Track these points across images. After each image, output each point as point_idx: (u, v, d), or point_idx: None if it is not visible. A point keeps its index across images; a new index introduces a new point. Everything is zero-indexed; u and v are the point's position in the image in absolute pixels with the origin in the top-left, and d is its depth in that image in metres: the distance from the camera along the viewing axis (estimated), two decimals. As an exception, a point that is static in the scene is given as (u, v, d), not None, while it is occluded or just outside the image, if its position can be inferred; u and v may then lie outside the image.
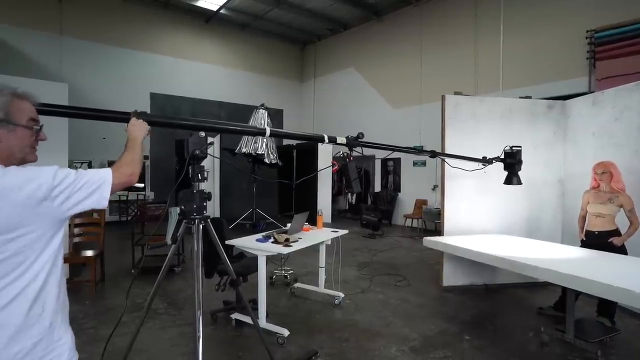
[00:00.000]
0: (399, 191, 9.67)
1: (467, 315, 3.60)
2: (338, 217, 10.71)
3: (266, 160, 7.75)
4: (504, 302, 4.03)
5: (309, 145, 9.63)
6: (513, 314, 3.70)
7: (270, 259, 4.18)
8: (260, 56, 12.37)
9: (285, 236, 3.12)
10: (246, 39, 12.00)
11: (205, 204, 1.81)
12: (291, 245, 2.99)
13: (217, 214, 8.10)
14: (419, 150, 2.61)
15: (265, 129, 1.88)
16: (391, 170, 9.93)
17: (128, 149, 1.29)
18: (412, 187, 9.25)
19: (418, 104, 9.17)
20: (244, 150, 7.77)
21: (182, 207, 1.73)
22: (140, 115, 1.50)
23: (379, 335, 3.15)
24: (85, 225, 4.36)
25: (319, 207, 4.01)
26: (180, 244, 3.57)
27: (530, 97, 4.56)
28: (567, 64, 6.70)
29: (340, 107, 11.80)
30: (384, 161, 10.11)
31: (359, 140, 2.22)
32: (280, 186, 11.16)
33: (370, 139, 2.52)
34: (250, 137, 7.87)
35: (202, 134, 1.73)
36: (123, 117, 1.51)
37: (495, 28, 7.83)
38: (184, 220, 1.78)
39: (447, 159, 3.80)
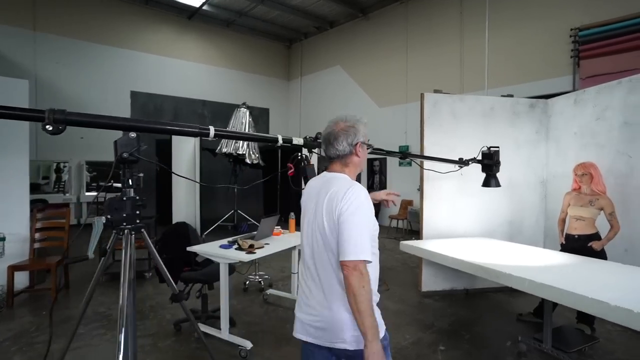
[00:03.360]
0: (385, 191, 9.52)
1: (444, 323, 3.46)
2: (324, 218, 10.55)
3: (247, 161, 7.55)
4: (483, 308, 3.90)
5: (293, 145, 9.43)
6: (492, 321, 3.57)
7: (245, 263, 4.01)
8: (245, 54, 12.14)
9: (250, 242, 2.94)
10: (231, 36, 11.76)
11: (138, 212, 1.62)
12: (255, 252, 2.81)
13: (198, 216, 7.88)
14: (387, 152, 2.45)
15: (209, 129, 1.70)
16: (377, 170, 9.79)
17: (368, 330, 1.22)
18: (398, 188, 9.10)
19: (404, 103, 9.04)
20: (224, 150, 7.56)
21: (109, 217, 1.53)
22: (57, 113, 1.30)
23: (350, 346, 2.98)
24: (47, 230, 4.12)
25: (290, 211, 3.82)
26: (159, 244, 3.40)
27: (512, 96, 4.43)
28: (552, 63, 6.62)
29: (327, 105, 11.63)
30: (370, 161, 9.96)
31: (318, 141, 2.05)
32: (265, 187, 10.96)
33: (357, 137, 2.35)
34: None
35: (133, 134, 1.55)
36: (36, 116, 1.31)
37: (480, 26, 7.73)
38: (113, 231, 1.59)
39: (420, 161, 3.65)
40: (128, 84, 9.73)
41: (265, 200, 11.00)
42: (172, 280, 1.77)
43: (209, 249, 2.93)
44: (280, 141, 1.92)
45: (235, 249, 2.92)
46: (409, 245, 3.54)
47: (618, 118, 3.61)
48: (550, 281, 2.21)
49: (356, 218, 1.29)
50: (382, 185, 9.71)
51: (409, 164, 8.83)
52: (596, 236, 3.21)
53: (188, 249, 2.96)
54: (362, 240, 1.27)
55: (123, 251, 1.50)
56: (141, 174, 1.62)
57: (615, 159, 3.60)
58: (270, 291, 4.01)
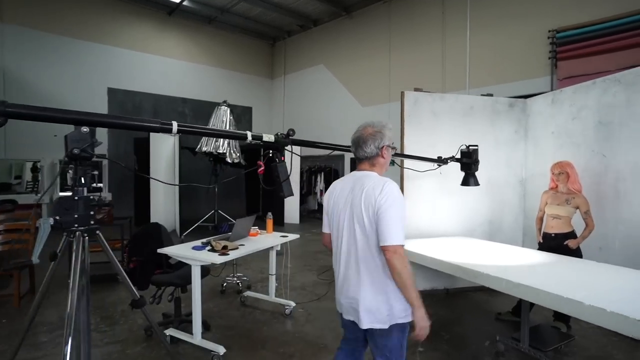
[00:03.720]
0: (368, 191, 9.51)
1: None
2: (307, 218, 10.47)
3: (228, 160, 7.40)
4: (463, 307, 3.89)
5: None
6: (471, 321, 3.56)
7: (222, 265, 3.89)
8: (228, 51, 11.94)
9: (224, 243, 2.84)
10: (212, 33, 11.55)
11: (92, 212, 1.51)
12: (228, 254, 2.71)
13: (177, 216, 7.69)
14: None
15: (171, 125, 1.59)
16: (360, 169, 9.76)
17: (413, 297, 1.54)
18: (381, 187, 9.12)
19: (387, 102, 9.03)
20: (204, 149, 7.39)
21: (57, 218, 1.42)
22: None
23: (326, 349, 2.91)
24: (10, 232, 3.91)
25: (268, 211, 3.73)
26: (130, 246, 3.25)
27: (491, 95, 4.44)
28: (531, 64, 6.70)
29: (310, 104, 11.56)
30: (353, 160, 9.93)
31: (290, 137, 1.96)
32: (248, 186, 10.81)
33: (340, 137, 2.33)
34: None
35: (86, 129, 1.43)
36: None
37: (462, 26, 7.78)
38: (64, 234, 1.47)
39: (400, 159, 3.62)
40: (105, 81, 9.43)
41: (248, 200, 10.85)
42: (132, 286, 1.66)
43: (180, 251, 2.81)
44: (250, 138, 1.83)
45: (208, 250, 2.82)
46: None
47: (593, 118, 3.65)
48: (527, 281, 2.19)
49: (392, 209, 1.52)
50: (366, 185, 9.70)
51: (392, 163, 8.82)
52: (572, 235, 3.23)
53: (159, 250, 2.84)
54: (399, 228, 1.51)
55: (73, 255, 1.39)
56: (95, 172, 1.51)
57: (590, 158, 3.63)
58: (247, 293, 3.91)
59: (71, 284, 1.33)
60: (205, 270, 3.08)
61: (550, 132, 4.07)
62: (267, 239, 3.41)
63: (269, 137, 1.92)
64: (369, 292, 1.58)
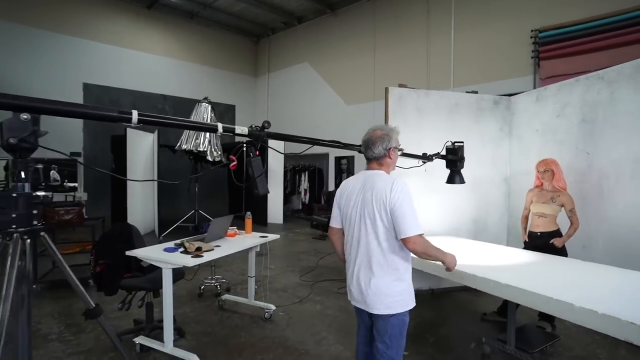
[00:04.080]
0: (352, 190, 9.42)
1: (409, 326, 3.31)
2: (292, 217, 10.31)
3: (209, 158, 7.18)
4: (448, 308, 3.81)
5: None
6: (456, 322, 3.47)
7: (201, 266, 3.72)
8: (210, 48, 11.66)
9: (198, 244, 2.66)
10: (194, 29, 11.25)
11: (34, 211, 1.33)
12: (202, 256, 2.54)
13: (156, 216, 7.42)
14: (345, 145, 2.26)
15: (131, 114, 1.43)
16: (345, 168, 9.66)
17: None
18: (365, 186, 9.04)
19: (371, 101, 8.95)
20: (184, 147, 7.15)
21: (-10, 217, 1.24)
22: None
23: (307, 355, 2.77)
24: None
25: (247, 211, 3.56)
26: (97, 249, 3.03)
27: (476, 92, 4.39)
28: (514, 63, 6.72)
29: (294, 103, 11.39)
30: (338, 159, 9.82)
31: (265, 130, 1.82)
32: (230, 185, 10.58)
33: (324, 135, 2.24)
34: (191, 132, 7.26)
35: (26, 116, 1.25)
36: None
37: (446, 25, 7.76)
38: None
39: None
40: (80, 76, 9.04)
41: (231, 199, 10.61)
42: (85, 294, 1.48)
43: (151, 253, 2.62)
44: (220, 129, 1.68)
45: (181, 252, 2.64)
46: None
47: (577, 115, 3.62)
48: (515, 282, 2.10)
49: (405, 204, 1.70)
50: (350, 184, 9.59)
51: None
52: (557, 233, 3.18)
53: (128, 253, 2.64)
54: (415, 219, 1.69)
55: (9, 259, 1.21)
56: (39, 165, 1.33)
57: (574, 155, 3.60)
58: (226, 296, 3.73)
59: (4, 294, 1.15)
60: (179, 273, 2.90)
61: (535, 130, 4.04)
62: (245, 240, 3.25)
63: (242, 130, 1.77)
64: (376, 282, 1.76)
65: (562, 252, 3.12)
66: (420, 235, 1.69)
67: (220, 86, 11.81)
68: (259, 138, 1.83)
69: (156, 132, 7.37)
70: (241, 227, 3.61)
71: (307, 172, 10.22)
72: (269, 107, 12.40)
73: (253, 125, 1.82)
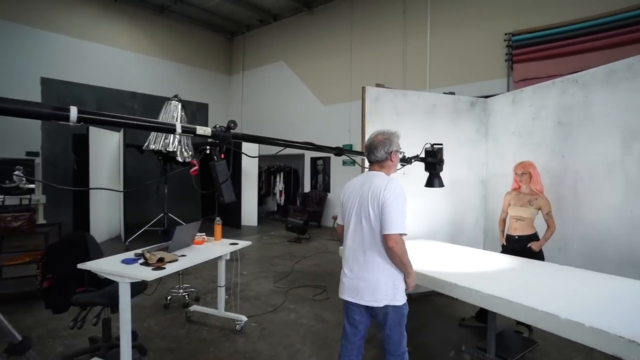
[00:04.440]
0: (329, 191, 9.29)
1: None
2: (266, 220, 10.07)
3: (179, 159, 6.85)
4: (426, 314, 3.73)
5: (235, 144, 8.84)
6: (435, 328, 3.39)
7: (159, 280, 3.45)
8: (182, 44, 11.22)
9: (160, 254, 2.43)
10: (165, 23, 10.79)
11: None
12: (164, 267, 2.31)
13: (122, 221, 7.02)
14: (319, 147, 2.11)
15: (68, 110, 1.21)
16: (320, 169, 9.53)
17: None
18: (342, 187, 8.90)
19: (348, 101, 8.85)
20: (152, 147, 6.79)
21: None
22: None
23: (281, 371, 2.60)
24: None
25: (217, 216, 3.33)
26: (45, 261, 2.73)
27: (453, 93, 4.34)
28: (489, 65, 6.78)
29: (270, 102, 11.14)
30: (314, 160, 9.67)
31: (231, 131, 1.63)
32: (203, 188, 10.21)
33: (300, 136, 2.05)
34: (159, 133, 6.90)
35: None
36: None
37: (422, 26, 7.76)
38: None
39: (361, 159, 3.37)
40: (38, 69, 8.43)
41: (203, 202, 10.25)
42: (9, 326, 1.25)
43: (106, 265, 2.37)
44: (179, 129, 1.47)
45: (141, 263, 2.40)
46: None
47: (552, 118, 3.63)
48: (496, 291, 2.01)
49: (395, 203, 1.79)
50: (326, 185, 9.47)
51: (352, 163, 8.66)
52: (535, 237, 3.15)
53: (79, 266, 2.37)
54: (401, 219, 1.78)
55: None
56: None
57: (550, 158, 3.60)
58: (194, 307, 3.49)
59: None
60: (141, 286, 2.65)
61: (511, 132, 4.03)
62: (214, 248, 3.03)
63: (204, 130, 1.57)
64: (372, 275, 1.85)
65: (539, 255, 3.10)
66: (402, 235, 1.79)
67: (193, 84, 11.39)
68: (224, 140, 1.64)
69: (122, 131, 6.97)
70: (212, 232, 3.38)
71: (282, 173, 10.01)
72: (243, 106, 12.09)
73: (217, 126, 1.63)
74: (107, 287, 2.68)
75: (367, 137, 3.84)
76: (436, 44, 7.59)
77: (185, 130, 1.51)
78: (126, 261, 2.44)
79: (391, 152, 1.96)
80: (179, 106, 6.90)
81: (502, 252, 3.28)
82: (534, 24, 6.25)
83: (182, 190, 9.58)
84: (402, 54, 8.11)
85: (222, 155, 1.68)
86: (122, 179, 6.97)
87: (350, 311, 1.98)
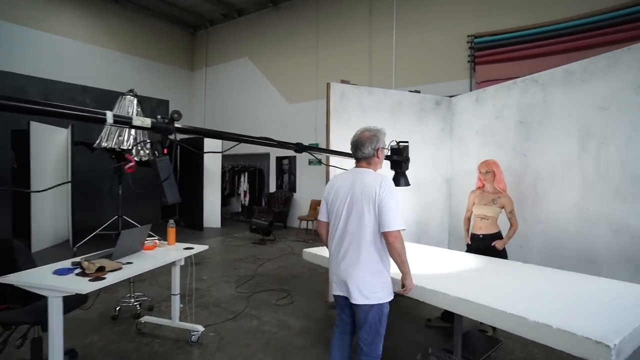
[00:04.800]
0: (295, 191, 9.13)
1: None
2: (230, 221, 9.74)
3: (135, 158, 6.41)
4: (393, 315, 3.57)
5: (195, 140, 8.47)
6: (401, 330, 3.31)
7: (98, 292, 3.14)
8: (140, 37, 10.63)
9: (101, 263, 2.17)
10: (121, 14, 10.17)
11: None
12: (104, 277, 2.05)
13: (70, 223, 6.48)
14: (279, 143, 1.95)
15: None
16: (286, 169, 9.34)
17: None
18: (308, 187, 8.79)
19: (314, 99, 8.73)
20: (104, 144, 6.31)
21: None
22: None
23: (239, 386, 2.41)
24: None
25: (170, 219, 3.07)
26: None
27: (419, 92, 4.32)
28: (453, 66, 6.89)
29: (234, 99, 10.80)
30: (279, 159, 9.47)
31: (174, 123, 1.43)
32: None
33: (266, 134, 1.94)
34: (113, 127, 6.43)
35: None
36: None
37: (388, 25, 7.78)
38: None
39: (330, 156, 3.26)
40: (-27, 59, 7.66)
41: (164, 203, 9.73)
42: None
43: (35, 277, 2.07)
44: (110, 120, 1.26)
45: (77, 274, 2.12)
46: (312, 253, 3.09)
47: (514, 117, 3.67)
48: (464, 293, 1.94)
49: (392, 200, 1.83)
50: (292, 185, 9.30)
51: (319, 162, 8.55)
52: (498, 235, 3.16)
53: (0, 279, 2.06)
54: (398, 216, 1.82)
55: None
56: None
57: (512, 157, 3.64)
58: (145, 318, 3.21)
59: None
60: (78, 299, 2.36)
61: (475, 131, 4.05)
62: (166, 253, 2.78)
63: (142, 121, 1.37)
64: (360, 272, 1.88)
65: (502, 254, 3.11)
66: (401, 231, 1.83)
67: (152, 79, 10.82)
68: (167, 132, 1.44)
69: (70, 127, 6.44)
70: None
71: (247, 173, 9.72)
72: (206, 103, 11.66)
73: (159, 117, 1.43)
74: (37, 302, 2.37)
75: (331, 135, 3.75)
76: (402, 43, 7.63)
77: (118, 121, 1.30)
78: (60, 272, 2.15)
79: (378, 148, 2.00)
80: (135, 101, 6.46)
81: (467, 251, 3.26)
82: (496, 27, 6.41)
83: (142, 190, 9.06)
84: (369, 53, 8.10)
85: (165, 151, 1.49)
86: (70, 179, 6.43)
87: (342, 306, 2.05)
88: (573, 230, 3.13)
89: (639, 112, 2.72)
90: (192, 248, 2.94)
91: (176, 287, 3.03)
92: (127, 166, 1.39)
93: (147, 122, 1.38)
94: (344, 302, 2.00)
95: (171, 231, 3.01)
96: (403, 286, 1.98)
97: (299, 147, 2.06)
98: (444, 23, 7.06)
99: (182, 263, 2.95)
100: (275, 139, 1.97)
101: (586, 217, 3.03)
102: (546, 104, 3.38)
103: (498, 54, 6.35)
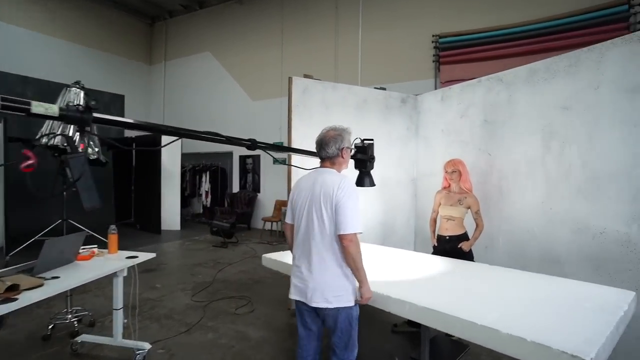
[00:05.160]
0: (259, 191, 8.82)
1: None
2: (192, 223, 9.27)
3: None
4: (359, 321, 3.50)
5: (151, 138, 7.96)
6: (368, 337, 3.15)
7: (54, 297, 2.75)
8: (92, 26, 9.87)
9: (14, 279, 1.82)
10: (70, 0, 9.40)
11: None
12: (16, 298, 1.72)
13: (3, 228, 5.83)
14: (228, 138, 1.71)
15: None
16: (250, 168, 9.01)
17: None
18: (273, 187, 8.52)
19: (279, 97, 8.46)
20: (45, 140, 5.71)
21: None
22: None
23: (186, 413, 2.15)
24: None
25: (111, 225, 2.72)
26: None
27: (384, 89, 4.20)
28: (418, 65, 6.88)
29: (195, 96, 10.30)
30: (243, 158, 9.12)
31: (92, 112, 1.17)
32: (118, 189, 9.08)
33: (228, 133, 1.69)
34: (55, 123, 5.85)
35: None
36: None
37: (354, 23, 7.67)
38: None
39: (292, 155, 3.04)
40: None
41: (118, 204, 9.10)
42: None
43: None
44: (-4, 105, 0.98)
45: (-15, 293, 1.77)
46: (271, 259, 2.87)
47: (479, 116, 3.63)
48: (432, 303, 1.80)
49: (350, 201, 1.77)
50: (256, 185, 8.99)
51: (284, 162, 8.31)
52: (465, 236, 3.08)
53: None
54: (356, 217, 1.77)
55: None
56: None
57: (477, 157, 3.60)
58: (83, 337, 2.84)
59: None
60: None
61: (440, 130, 3.99)
62: (104, 264, 2.45)
63: (45, 109, 1.09)
64: (323, 276, 1.80)
65: (469, 255, 3.03)
66: (357, 234, 1.75)
67: (105, 72, 10.10)
68: (82, 123, 1.17)
69: (2, 121, 5.80)
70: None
71: (208, 172, 9.29)
72: (165, 99, 11.06)
73: (69, 103, 1.16)
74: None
75: (293, 132, 3.54)
76: (368, 40, 7.55)
77: (7, 107, 1.01)
78: (-36, 290, 1.78)
79: (342, 148, 1.92)
80: (81, 94, 5.88)
81: (434, 253, 3.17)
82: (460, 27, 6.46)
83: (39, 193, 8.39)
84: (334, 50, 7.95)
85: (82, 146, 1.22)
86: (3, 177, 5.79)
87: (302, 313, 1.92)
88: (537, 230, 3.11)
89: (599, 112, 2.72)
90: (136, 257, 2.62)
91: (118, 301, 2.69)
92: (25, 165, 1.11)
93: (53, 109, 1.11)
94: (304, 307, 1.88)
95: (112, 238, 2.67)
96: (360, 295, 1.85)
97: (253, 144, 1.84)
98: (410, 22, 7.04)
99: (125, 274, 2.63)
100: (239, 137, 1.75)
101: (549, 216, 3.01)
102: (511, 102, 3.36)
103: (462, 55, 6.40)
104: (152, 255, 2.76)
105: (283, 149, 2.01)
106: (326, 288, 1.79)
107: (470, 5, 6.47)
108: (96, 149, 6.16)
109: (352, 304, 1.83)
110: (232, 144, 1.78)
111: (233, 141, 1.74)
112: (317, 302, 1.80)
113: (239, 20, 9.54)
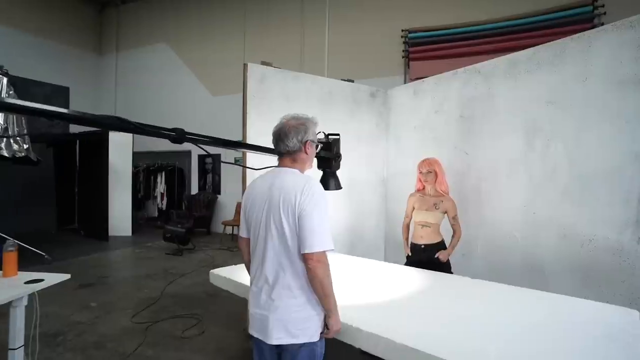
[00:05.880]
0: (219, 193, 8.23)
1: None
2: (146, 227, 8.51)
3: (5, 153, 5.08)
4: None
5: (97, 135, 7.18)
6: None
7: None
8: (30, 8, 8.87)
9: None
10: (2, -21, 8.37)
11: None
12: None
13: None
14: (140, 126, 1.25)
15: None
16: (210, 169, 8.40)
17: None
18: (234, 188, 7.95)
19: (240, 93, 7.90)
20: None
21: None
22: None
23: None
24: None
25: (9, 241, 2.15)
26: None
27: (352, 81, 3.82)
28: (387, 61, 6.61)
29: (150, 90, 9.53)
30: (202, 158, 8.49)
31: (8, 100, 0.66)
32: (60, 191, 8.17)
33: (188, 129, 1.29)
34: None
35: None
36: None
37: (321, 14, 7.30)
38: None
39: (244, 152, 2.59)
40: None
41: (60, 208, 8.18)
42: None
43: None
44: None
45: None
46: (220, 277, 2.39)
47: (455, 111, 3.34)
48: (412, 337, 1.42)
49: (316, 212, 1.38)
50: (216, 187, 8.38)
51: (238, 162, 7.80)
52: (442, 245, 2.76)
53: None
54: (325, 232, 1.40)
55: None
56: None
57: (453, 156, 3.30)
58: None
59: None
60: None
61: (413, 127, 3.67)
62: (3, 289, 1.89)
63: None
64: (280, 305, 1.43)
65: (447, 266, 2.71)
66: (326, 253, 1.39)
67: (47, 61, 9.11)
68: None
69: None
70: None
71: (164, 173, 8.59)
72: (117, 92, 10.18)
73: None
74: None
75: (248, 126, 3.08)
76: (335, 32, 7.20)
77: None
78: None
79: (306, 141, 1.54)
80: (4, 81, 5.10)
81: (407, 263, 2.82)
82: (430, 23, 6.24)
83: (29, 194, 7.49)
84: (300, 44, 7.54)
85: None
86: None
87: (261, 351, 1.53)
88: (518, 236, 2.84)
89: (587, 106, 2.47)
90: (41, 280, 2.06)
91: (16, 339, 2.11)
92: None
93: None
94: (265, 346, 1.48)
95: (8, 258, 2.09)
96: (327, 326, 1.49)
97: (179, 135, 1.36)
98: (379, 16, 6.75)
99: (25, 303, 2.06)
100: (199, 133, 1.30)
101: (532, 221, 2.75)
102: (490, 96, 3.08)
103: (431, 51, 6.18)
104: (66, 276, 2.21)
105: (218, 141, 1.53)
106: (288, 321, 1.43)
107: (441, 0, 6.26)
108: (25, 146, 5.38)
109: (316, 338, 1.46)
110: (151, 135, 1.30)
111: (160, 133, 1.26)
112: (279, 338, 1.42)
113: (198, 9, 8.90)
